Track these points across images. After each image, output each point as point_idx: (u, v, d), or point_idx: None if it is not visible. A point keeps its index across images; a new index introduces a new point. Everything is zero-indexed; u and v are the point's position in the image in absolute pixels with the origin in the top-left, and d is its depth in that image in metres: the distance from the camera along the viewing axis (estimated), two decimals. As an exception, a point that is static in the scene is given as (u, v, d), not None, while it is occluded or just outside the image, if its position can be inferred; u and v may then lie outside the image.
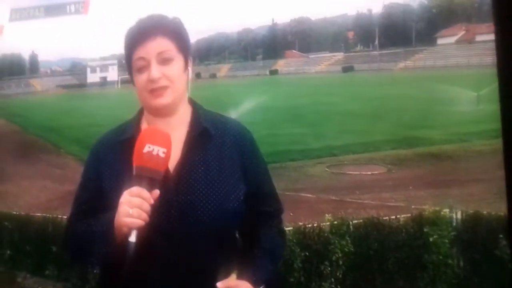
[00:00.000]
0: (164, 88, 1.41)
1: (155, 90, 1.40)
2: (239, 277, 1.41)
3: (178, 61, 1.44)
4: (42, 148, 13.82)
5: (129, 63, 1.46)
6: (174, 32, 1.45)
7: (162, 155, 1.30)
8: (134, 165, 1.30)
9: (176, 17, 1.50)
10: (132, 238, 1.28)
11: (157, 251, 1.37)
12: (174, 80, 1.42)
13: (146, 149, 1.30)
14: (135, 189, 1.29)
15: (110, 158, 1.48)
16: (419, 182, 7.76)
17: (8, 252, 4.91)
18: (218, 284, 1.38)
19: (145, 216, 1.28)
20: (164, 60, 1.41)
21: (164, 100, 1.42)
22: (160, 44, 1.41)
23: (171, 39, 1.43)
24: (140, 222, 1.28)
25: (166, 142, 1.32)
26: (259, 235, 1.55)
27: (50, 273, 4.57)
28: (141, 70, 1.41)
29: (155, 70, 1.39)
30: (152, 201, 1.29)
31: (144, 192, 1.29)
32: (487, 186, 6.80)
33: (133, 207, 1.28)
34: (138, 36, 1.42)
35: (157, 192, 1.30)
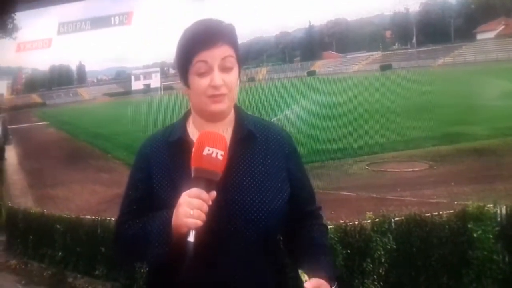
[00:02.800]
0: (223, 95, 1.45)
1: (215, 96, 1.44)
2: (311, 275, 1.41)
3: (236, 69, 1.47)
4: (91, 153, 14.13)
5: (187, 65, 1.46)
6: (234, 39, 1.49)
7: (220, 157, 1.34)
8: (193, 166, 1.35)
9: (231, 24, 1.51)
10: (191, 238, 1.31)
11: (207, 249, 1.39)
12: (232, 88, 1.46)
13: (206, 151, 1.33)
14: (194, 191, 1.33)
15: (159, 159, 1.52)
16: (461, 178, 7.56)
17: (60, 253, 5.04)
18: (306, 284, 1.40)
19: (204, 217, 1.33)
20: (226, 68, 1.44)
21: (222, 106, 1.46)
22: (225, 51, 1.44)
23: (232, 47, 1.47)
24: (200, 223, 1.33)
25: (224, 145, 1.36)
26: (311, 233, 1.59)
27: (99, 273, 4.68)
28: (202, 74, 1.43)
29: (218, 77, 1.42)
30: (210, 203, 1.32)
31: (203, 193, 1.33)
32: (532, 180, 6.57)
33: (193, 208, 1.32)
34: (202, 39, 1.44)
35: (214, 193, 1.34)
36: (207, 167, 1.33)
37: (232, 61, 1.45)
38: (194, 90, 1.46)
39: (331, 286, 1.45)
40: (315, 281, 1.40)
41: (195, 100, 1.47)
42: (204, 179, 1.33)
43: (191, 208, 1.31)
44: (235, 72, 1.46)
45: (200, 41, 1.43)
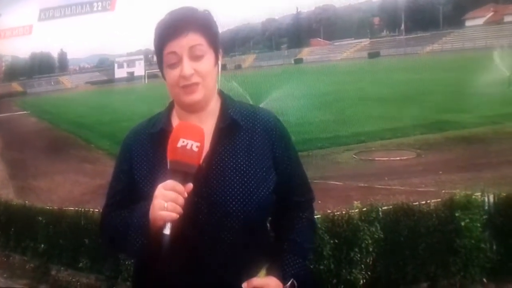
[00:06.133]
0: (196, 84, 1.41)
1: (187, 87, 1.41)
2: (268, 272, 1.41)
3: (209, 56, 1.43)
4: (73, 143, 14.06)
5: (160, 57, 1.45)
6: (205, 26, 1.44)
7: (195, 149, 1.32)
8: (169, 159, 1.32)
9: (206, 10, 1.48)
10: (167, 231, 1.30)
11: (189, 242, 1.38)
12: (205, 76, 1.42)
13: (180, 143, 1.31)
14: (169, 183, 1.31)
15: (142, 150, 1.50)
16: (449, 167, 7.63)
17: (42, 246, 5.02)
18: (244, 285, 1.40)
19: (179, 209, 1.31)
20: (196, 56, 1.41)
21: (196, 96, 1.43)
22: (192, 39, 1.41)
23: (202, 34, 1.42)
24: (174, 216, 1.30)
25: (200, 136, 1.33)
26: (289, 227, 1.55)
27: (83, 266, 4.66)
28: (172, 65, 1.41)
29: (187, 67, 1.39)
30: (186, 195, 1.31)
31: (178, 186, 1.31)
32: (520, 168, 6.68)
33: (168, 201, 1.30)
34: (170, 30, 1.41)
35: (190, 185, 1.32)
36: (181, 159, 1.32)
37: (202, 49, 1.42)
38: (167, 82, 1.46)
39: (283, 285, 1.45)
40: (258, 280, 1.41)
41: (171, 91, 1.47)
42: (180, 171, 1.32)
43: (165, 201, 1.30)
44: (208, 58, 1.44)
45: (165, 31, 1.43)
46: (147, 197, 1.37)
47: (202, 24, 1.44)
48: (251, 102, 1.70)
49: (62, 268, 4.90)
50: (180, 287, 1.43)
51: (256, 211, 1.43)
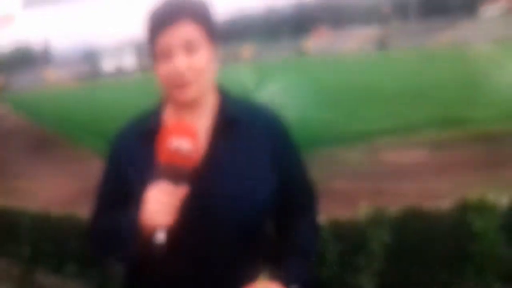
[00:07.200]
0: (189, 80, 1.38)
1: (181, 82, 1.38)
2: (271, 276, 1.41)
3: (205, 49, 1.39)
4: (58, 142, 14.05)
5: (151, 49, 1.41)
6: (201, 15, 1.40)
7: (189, 150, 1.30)
8: (160, 161, 1.31)
9: None
10: (160, 236, 1.30)
11: (185, 248, 1.39)
12: (200, 70, 1.38)
13: (173, 144, 1.29)
14: (162, 186, 1.30)
15: (132, 150, 1.48)
16: (463, 166, 7.63)
17: (27, 250, 5.04)
18: None
19: (173, 213, 1.30)
20: (191, 49, 1.37)
21: (190, 93, 1.39)
22: (186, 31, 1.36)
23: (198, 24, 1.38)
24: (168, 220, 1.30)
25: (193, 136, 1.31)
26: (291, 229, 1.55)
27: (70, 271, 4.68)
28: (164, 59, 1.37)
29: (181, 62, 1.35)
30: (180, 198, 1.30)
31: (171, 189, 1.30)
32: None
33: (161, 205, 1.30)
34: (162, 20, 1.37)
35: (184, 188, 1.31)
36: (174, 162, 1.30)
37: (198, 41, 1.37)
38: (159, 76, 1.41)
39: None
40: (261, 285, 1.40)
41: (163, 87, 1.43)
42: (173, 173, 1.31)
43: (158, 205, 1.29)
44: (204, 52, 1.39)
45: (159, 21, 1.37)
46: (138, 200, 1.36)
47: (198, 13, 1.40)
48: (250, 97, 1.69)
49: (47, 273, 4.92)
50: None
51: (256, 213, 1.43)
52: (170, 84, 1.39)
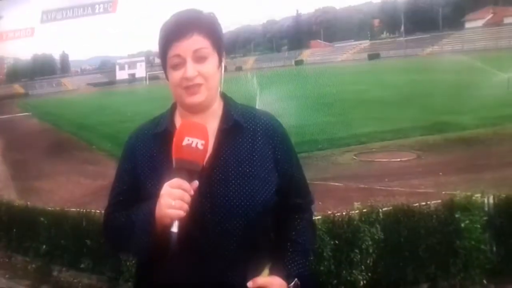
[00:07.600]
0: (199, 85, 1.42)
1: (190, 88, 1.42)
2: (271, 272, 1.42)
3: (213, 59, 1.44)
4: (75, 145, 14.07)
5: (164, 59, 1.45)
6: (210, 29, 1.45)
7: (200, 147, 1.33)
8: (174, 157, 1.33)
9: (211, 13, 1.49)
10: (174, 229, 1.30)
11: (193, 242, 1.39)
12: (208, 77, 1.43)
13: (186, 142, 1.32)
14: (176, 181, 1.32)
15: (146, 150, 1.50)
16: (449, 168, 7.63)
17: (44, 246, 5.02)
18: (249, 284, 1.40)
19: (186, 207, 1.32)
20: (200, 58, 1.42)
21: (199, 98, 1.44)
22: (196, 42, 1.41)
23: (206, 37, 1.43)
24: (182, 213, 1.31)
25: (204, 135, 1.35)
26: (290, 228, 1.56)
27: (85, 266, 4.66)
28: (176, 67, 1.42)
29: (191, 69, 1.40)
30: (192, 192, 1.32)
31: (185, 183, 1.31)
32: (520, 169, 6.66)
33: (175, 199, 1.30)
34: (174, 33, 1.42)
35: (196, 183, 1.33)
36: (187, 158, 1.32)
37: (206, 52, 1.43)
38: (170, 83, 1.47)
39: (288, 284, 1.46)
40: (263, 279, 1.43)
41: (174, 92, 1.47)
42: (185, 169, 1.33)
43: (173, 199, 1.31)
44: (211, 61, 1.45)
45: (171, 34, 1.43)
46: (151, 196, 1.38)
47: (207, 27, 1.45)
48: (252, 104, 1.70)
49: (64, 268, 4.90)
50: (184, 286, 1.43)
51: (258, 212, 1.44)
52: (181, 88, 1.43)
